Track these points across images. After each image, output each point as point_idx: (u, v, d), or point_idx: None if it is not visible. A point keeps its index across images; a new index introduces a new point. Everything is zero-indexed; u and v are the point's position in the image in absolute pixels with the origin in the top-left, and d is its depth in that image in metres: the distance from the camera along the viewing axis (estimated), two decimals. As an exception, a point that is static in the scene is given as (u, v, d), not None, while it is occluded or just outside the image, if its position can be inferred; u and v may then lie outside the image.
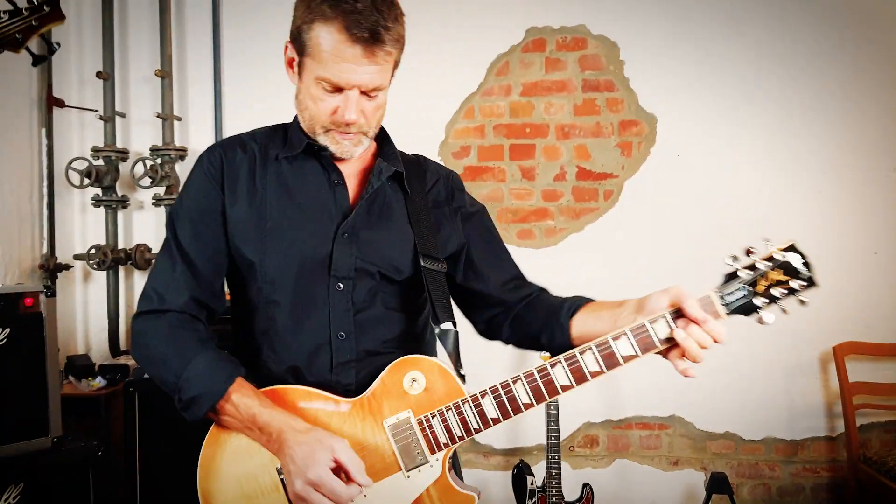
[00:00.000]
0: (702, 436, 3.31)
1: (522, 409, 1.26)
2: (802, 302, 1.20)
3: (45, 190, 3.14)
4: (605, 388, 3.34)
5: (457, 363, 1.34)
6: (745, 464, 3.29)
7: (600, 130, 3.35)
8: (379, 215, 1.43)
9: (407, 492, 1.29)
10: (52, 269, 3.19)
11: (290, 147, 1.43)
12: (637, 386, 3.32)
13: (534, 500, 2.92)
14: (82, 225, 3.48)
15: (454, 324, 1.38)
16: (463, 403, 1.28)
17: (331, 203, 1.40)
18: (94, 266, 3.29)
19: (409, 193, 1.46)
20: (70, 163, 3.23)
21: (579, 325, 1.36)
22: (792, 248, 1.21)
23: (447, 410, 1.28)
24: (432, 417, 1.28)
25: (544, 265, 3.12)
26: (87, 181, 3.23)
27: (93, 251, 3.29)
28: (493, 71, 3.39)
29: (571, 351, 1.24)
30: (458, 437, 1.28)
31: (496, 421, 1.27)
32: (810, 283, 1.20)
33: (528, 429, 3.35)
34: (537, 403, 1.25)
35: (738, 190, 3.26)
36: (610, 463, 3.36)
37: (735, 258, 1.22)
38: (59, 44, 1.39)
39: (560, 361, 1.24)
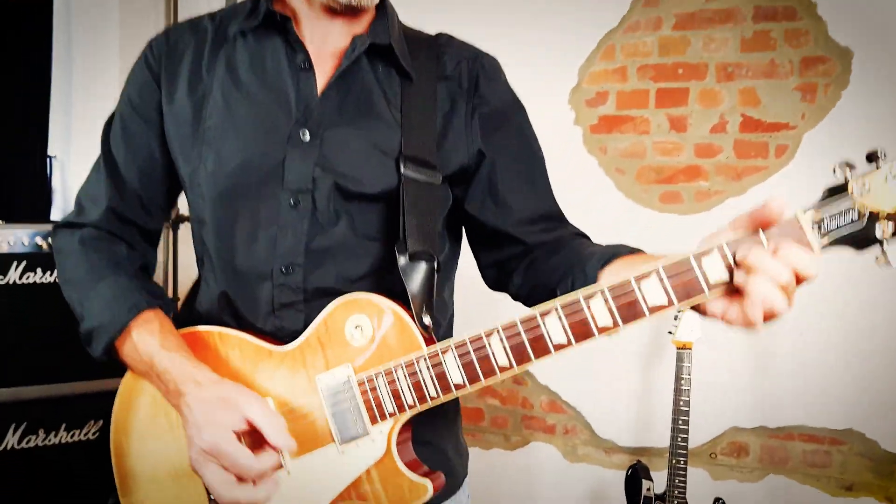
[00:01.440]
0: (888, 458, 2.61)
1: (497, 372, 0.91)
2: None
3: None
4: (761, 388, 2.75)
5: (424, 307, 1.01)
6: (948, 501, 2.57)
7: (775, 70, 2.69)
8: (355, 109, 1.09)
9: (341, 470, 1.01)
10: (174, 220, 3.22)
11: (250, 18, 1.11)
12: (804, 388, 2.68)
13: (649, 509, 2.48)
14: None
15: (432, 257, 1.03)
16: (418, 361, 0.96)
17: (291, 93, 1.09)
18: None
19: (412, 80, 1.10)
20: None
21: (611, 277, 0.93)
22: None
23: (396, 369, 0.98)
24: (377, 377, 0.98)
25: (692, 235, 2.57)
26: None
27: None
28: (640, 1, 2.84)
29: (573, 294, 0.87)
30: (409, 405, 0.97)
31: (460, 387, 0.94)
32: None
33: (661, 427, 2.86)
34: (518, 365, 0.90)
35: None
36: (761, 477, 2.78)
37: (849, 166, 0.76)
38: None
39: (556, 309, 0.88)
